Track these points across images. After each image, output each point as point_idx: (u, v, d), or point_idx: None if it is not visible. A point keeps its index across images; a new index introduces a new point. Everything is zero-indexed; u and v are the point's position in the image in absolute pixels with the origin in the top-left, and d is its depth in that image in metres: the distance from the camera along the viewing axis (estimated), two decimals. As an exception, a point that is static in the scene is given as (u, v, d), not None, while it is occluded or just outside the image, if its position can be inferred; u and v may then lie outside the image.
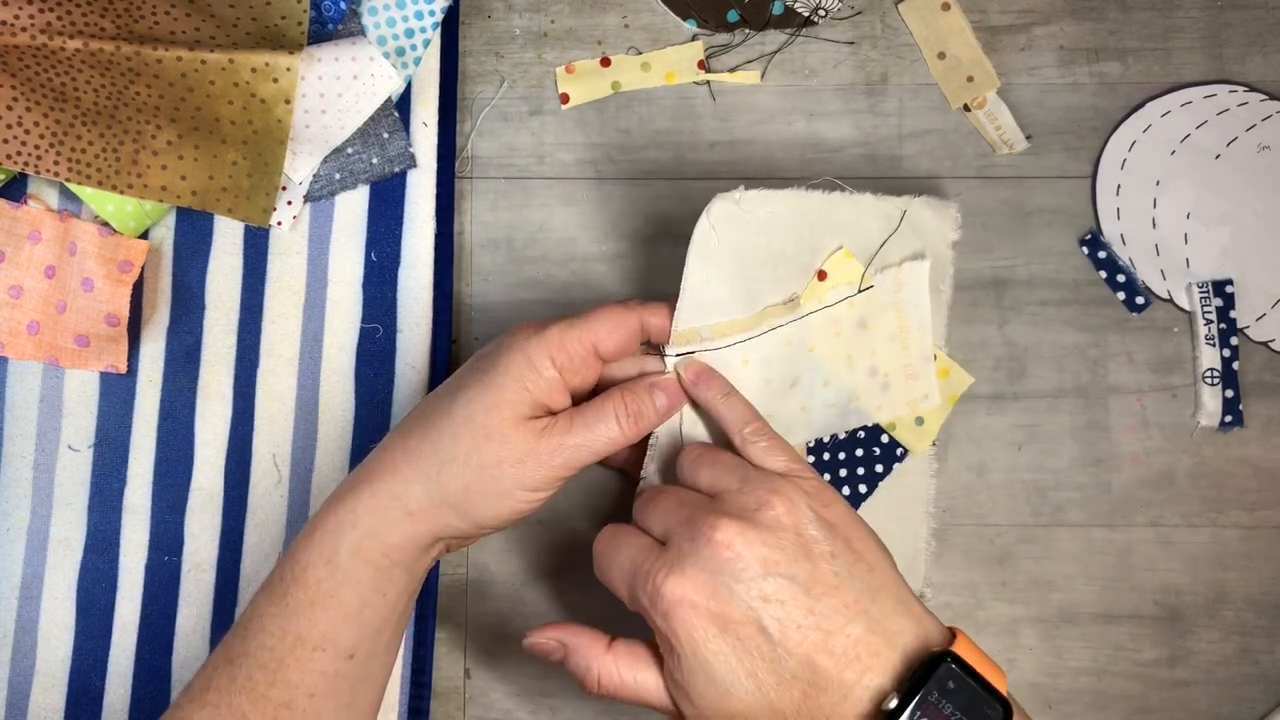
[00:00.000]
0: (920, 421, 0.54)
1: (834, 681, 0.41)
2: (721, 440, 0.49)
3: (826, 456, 0.54)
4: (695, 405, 0.49)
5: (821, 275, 0.52)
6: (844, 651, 0.41)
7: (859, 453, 0.54)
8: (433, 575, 0.53)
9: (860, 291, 0.52)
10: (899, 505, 0.54)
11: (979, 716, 0.41)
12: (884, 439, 0.54)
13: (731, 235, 0.50)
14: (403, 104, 0.55)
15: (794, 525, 0.43)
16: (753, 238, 0.50)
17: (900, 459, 0.54)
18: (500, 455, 0.45)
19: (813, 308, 0.52)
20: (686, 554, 0.42)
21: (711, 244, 0.50)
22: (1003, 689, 0.42)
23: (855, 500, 0.54)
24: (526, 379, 0.45)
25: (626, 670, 0.44)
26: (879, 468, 0.54)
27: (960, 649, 0.42)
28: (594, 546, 0.46)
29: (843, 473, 0.54)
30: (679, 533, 0.43)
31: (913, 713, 0.41)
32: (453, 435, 0.45)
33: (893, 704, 0.41)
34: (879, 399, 0.53)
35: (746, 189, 0.49)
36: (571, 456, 0.45)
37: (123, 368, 0.53)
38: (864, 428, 0.54)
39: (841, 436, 0.54)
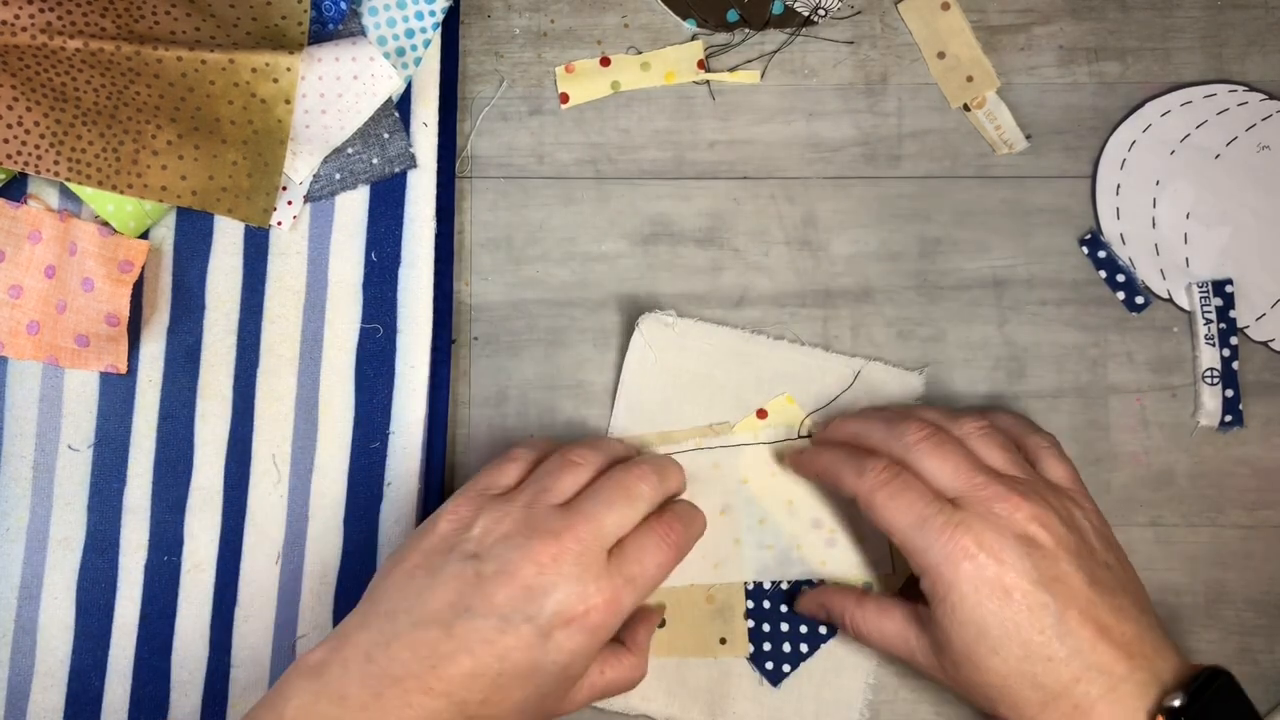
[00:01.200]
0: (870, 587, 0.53)
1: (1106, 670, 0.43)
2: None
3: (767, 605, 0.53)
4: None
5: (761, 414, 0.54)
6: (1120, 644, 0.43)
7: None
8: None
9: (800, 437, 0.53)
10: (839, 672, 0.53)
11: None
12: None
13: (668, 355, 0.53)
14: (403, 104, 0.55)
15: (1080, 528, 0.46)
16: (690, 362, 0.53)
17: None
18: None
19: (745, 439, 0.53)
20: (984, 516, 0.44)
21: (649, 359, 0.53)
22: None
23: (794, 659, 0.52)
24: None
25: (873, 618, 0.48)
26: (823, 629, 0.53)
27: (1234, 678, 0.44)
28: (871, 482, 0.46)
29: (784, 627, 0.53)
30: (976, 497, 0.45)
31: (1195, 716, 0.42)
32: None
33: (1177, 702, 0.42)
34: (823, 554, 0.53)
35: (679, 316, 0.53)
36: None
37: (123, 368, 0.53)
38: (809, 584, 0.53)
39: (784, 586, 0.53)
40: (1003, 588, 0.44)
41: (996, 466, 0.47)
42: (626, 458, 0.50)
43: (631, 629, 0.49)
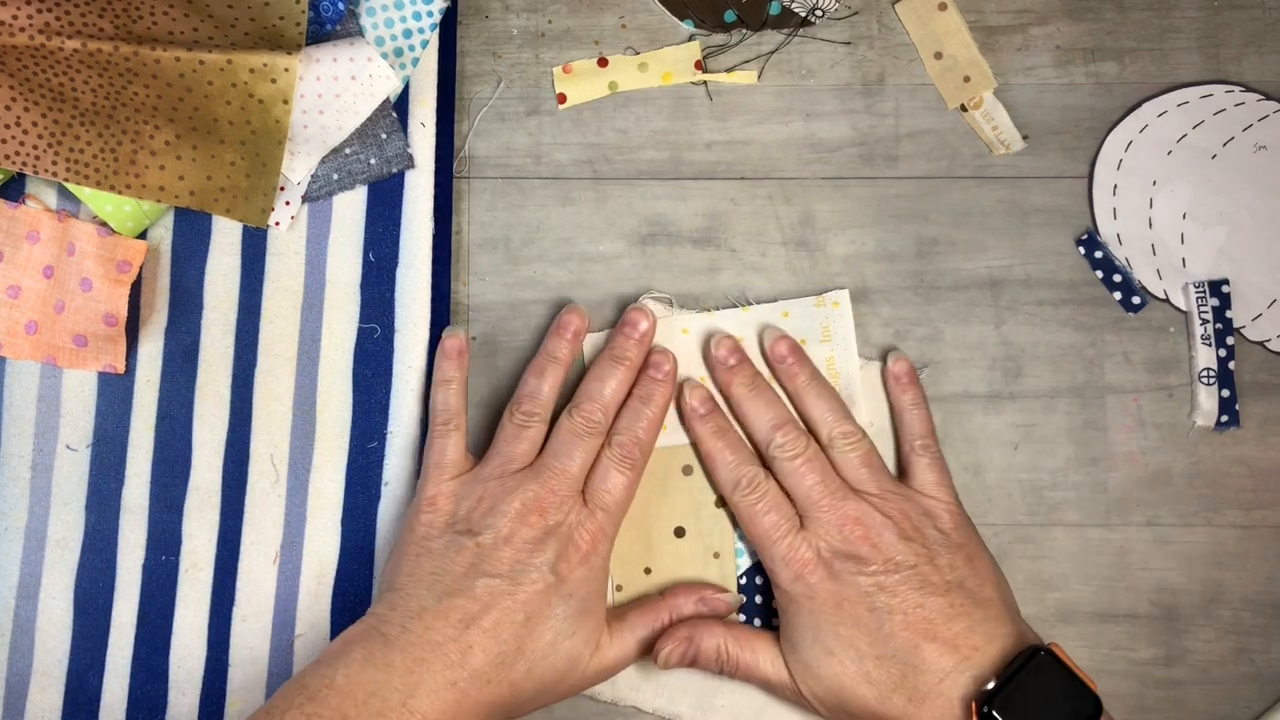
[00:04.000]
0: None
1: (933, 665, 0.47)
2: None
3: (759, 600, 0.54)
4: None
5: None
6: (946, 641, 0.48)
7: None
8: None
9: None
10: None
11: (1070, 708, 0.46)
12: None
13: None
14: (400, 104, 0.55)
15: (918, 539, 0.50)
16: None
17: None
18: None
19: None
20: (822, 535, 0.50)
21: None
22: (1095, 691, 0.46)
23: None
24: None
25: (747, 644, 0.51)
26: None
27: (1057, 652, 0.47)
28: (743, 496, 0.51)
29: (775, 621, 0.53)
30: (820, 511, 0.50)
31: (1008, 695, 0.45)
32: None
33: (990, 685, 0.46)
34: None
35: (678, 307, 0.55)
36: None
37: (121, 367, 0.53)
38: None
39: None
40: (834, 599, 0.49)
41: (851, 481, 0.51)
42: (555, 359, 0.53)
43: (634, 620, 0.52)
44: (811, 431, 0.52)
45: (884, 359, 0.54)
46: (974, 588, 0.49)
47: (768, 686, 0.51)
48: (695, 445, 0.54)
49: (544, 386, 0.52)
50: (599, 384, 0.52)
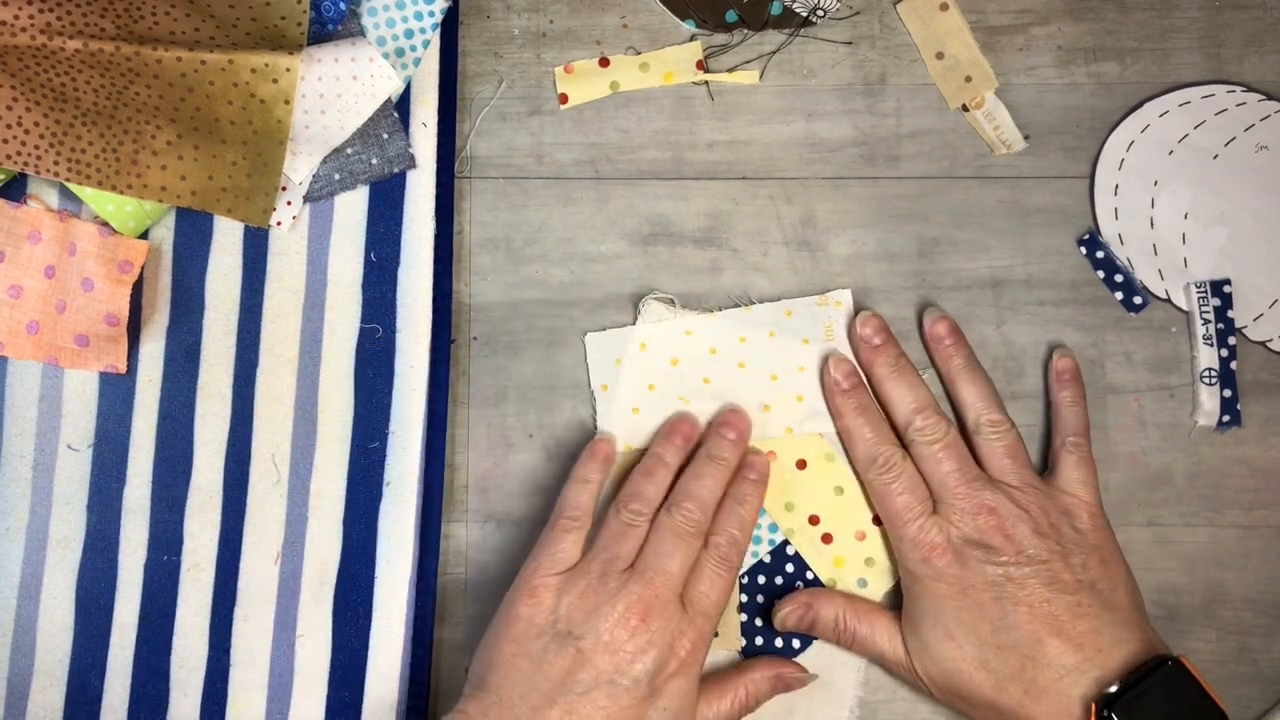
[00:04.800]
0: (864, 584, 0.53)
1: (1055, 661, 0.47)
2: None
3: (761, 599, 0.53)
4: None
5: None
6: (1071, 639, 0.47)
7: None
8: (431, 574, 0.53)
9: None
10: (831, 669, 0.53)
11: None
12: None
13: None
14: (402, 104, 0.55)
15: (1054, 535, 0.49)
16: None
17: None
18: None
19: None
20: (955, 521, 0.50)
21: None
22: (1223, 709, 0.46)
23: (787, 654, 0.53)
24: None
25: (865, 616, 0.52)
26: None
27: (1186, 664, 0.47)
28: (879, 473, 0.51)
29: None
30: (955, 498, 0.50)
31: (1131, 700, 0.46)
32: None
33: (1113, 688, 0.46)
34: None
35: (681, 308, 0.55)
36: None
37: (122, 367, 0.53)
38: (804, 580, 0.53)
39: (779, 582, 0.53)
40: (960, 585, 0.49)
41: (993, 470, 0.51)
42: (664, 463, 0.53)
43: (752, 664, 0.52)
44: (959, 414, 0.53)
45: (920, 317, 0.55)
46: (1105, 590, 0.49)
47: (882, 661, 0.52)
48: (835, 418, 0.54)
49: (651, 489, 0.51)
50: (698, 483, 0.51)
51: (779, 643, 0.53)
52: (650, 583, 0.49)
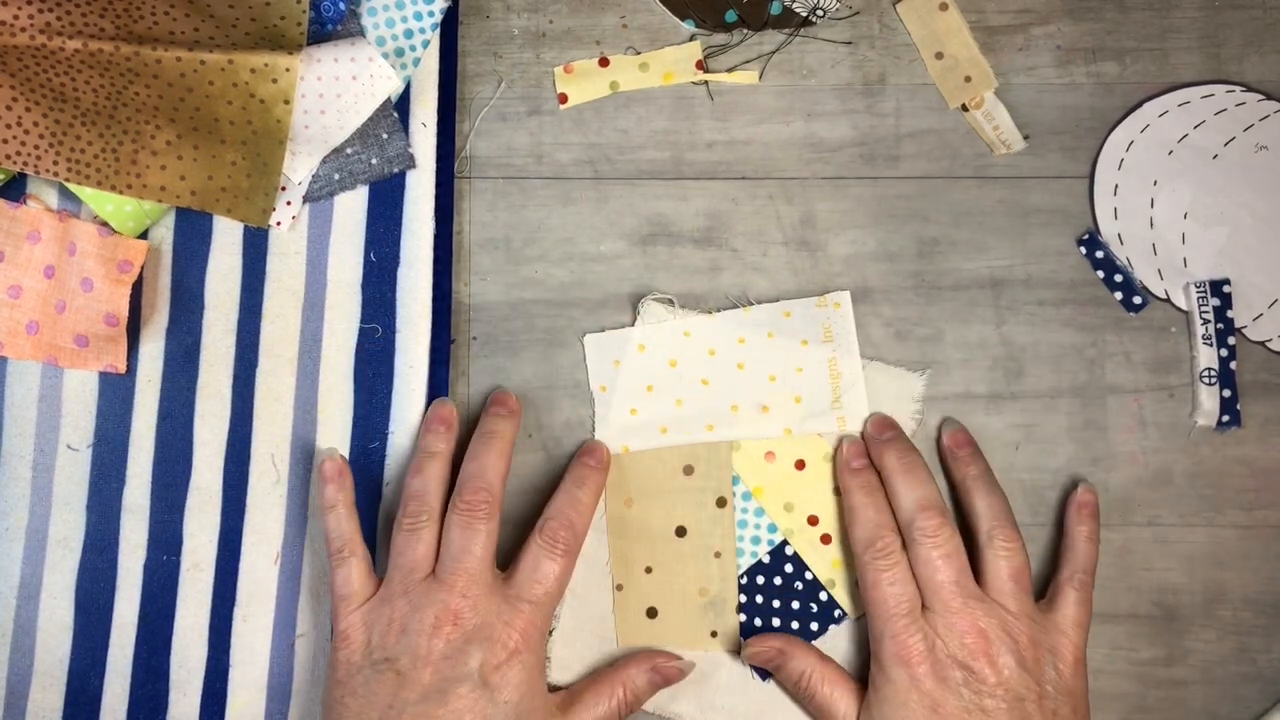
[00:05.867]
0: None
1: None
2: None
3: (759, 599, 0.53)
4: None
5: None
6: None
7: (794, 605, 0.53)
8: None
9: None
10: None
11: None
12: (822, 596, 0.53)
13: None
14: (402, 104, 0.55)
15: (1038, 674, 0.48)
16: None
17: (838, 621, 0.53)
18: None
19: (747, 433, 0.54)
20: (942, 633, 0.49)
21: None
22: None
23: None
24: None
25: (830, 680, 0.51)
26: (814, 625, 0.53)
27: None
28: (874, 556, 0.50)
29: (775, 622, 0.53)
30: (949, 611, 0.49)
31: None
32: None
33: None
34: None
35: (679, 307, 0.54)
36: None
37: (122, 367, 0.53)
38: (802, 580, 0.53)
39: (778, 582, 0.53)
40: (931, 702, 0.48)
41: (991, 588, 0.50)
42: (432, 454, 0.51)
43: (625, 662, 0.52)
44: (970, 524, 0.52)
45: (939, 433, 0.54)
46: None
47: None
48: (842, 495, 0.53)
49: (429, 484, 0.50)
50: (475, 464, 0.50)
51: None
52: (453, 585, 0.47)
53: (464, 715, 0.46)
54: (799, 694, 0.51)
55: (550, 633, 0.53)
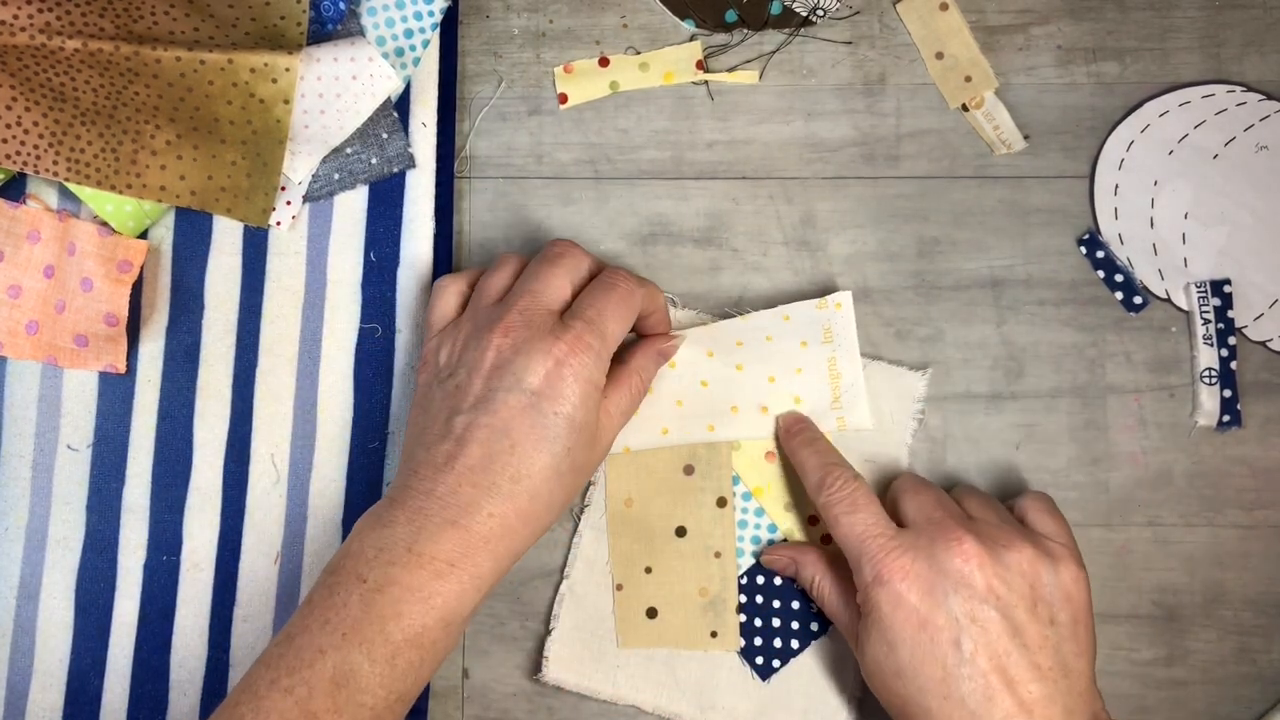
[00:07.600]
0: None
1: None
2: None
3: (760, 599, 0.53)
4: None
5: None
6: (1024, 703, 0.45)
7: (794, 605, 0.53)
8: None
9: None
10: (829, 669, 0.53)
11: None
12: None
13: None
14: (401, 104, 0.55)
15: (1032, 578, 0.46)
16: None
17: None
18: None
19: (745, 433, 0.54)
20: (922, 546, 0.47)
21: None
22: None
23: (784, 655, 0.53)
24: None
25: (836, 594, 0.50)
26: (814, 625, 0.53)
27: None
28: (829, 494, 0.49)
29: (775, 622, 0.53)
30: (925, 527, 0.47)
31: None
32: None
33: None
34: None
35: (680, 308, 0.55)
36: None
37: (121, 367, 0.53)
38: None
39: (778, 582, 0.53)
40: (920, 618, 0.46)
41: (968, 509, 0.49)
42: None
43: (630, 353, 0.52)
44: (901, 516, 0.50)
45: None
46: (1068, 654, 0.46)
47: (842, 632, 0.51)
48: (790, 458, 0.53)
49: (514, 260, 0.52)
50: (568, 236, 0.52)
51: (778, 643, 0.53)
52: (514, 304, 0.48)
53: (510, 423, 0.46)
54: (813, 596, 0.52)
55: (550, 632, 0.53)
